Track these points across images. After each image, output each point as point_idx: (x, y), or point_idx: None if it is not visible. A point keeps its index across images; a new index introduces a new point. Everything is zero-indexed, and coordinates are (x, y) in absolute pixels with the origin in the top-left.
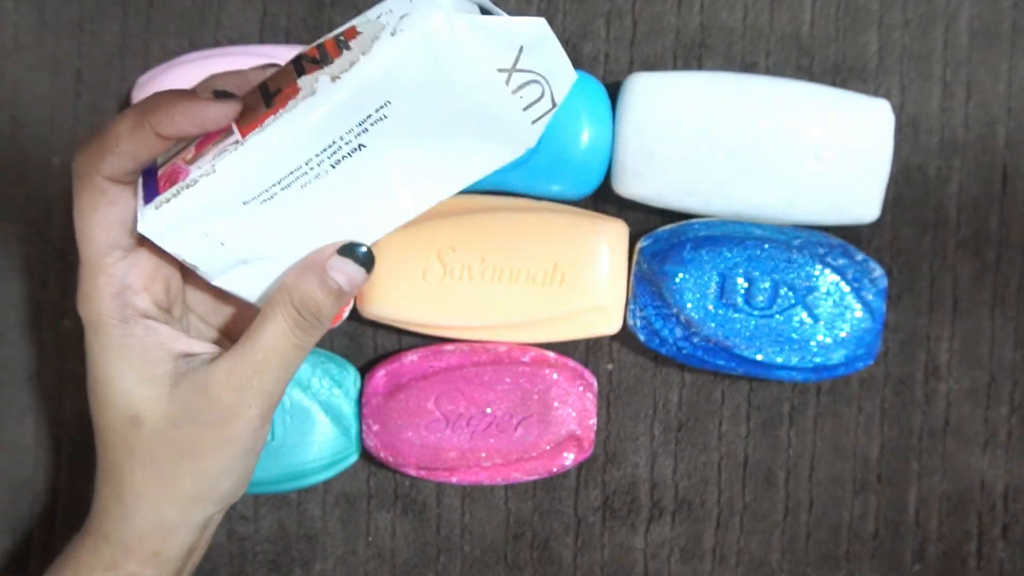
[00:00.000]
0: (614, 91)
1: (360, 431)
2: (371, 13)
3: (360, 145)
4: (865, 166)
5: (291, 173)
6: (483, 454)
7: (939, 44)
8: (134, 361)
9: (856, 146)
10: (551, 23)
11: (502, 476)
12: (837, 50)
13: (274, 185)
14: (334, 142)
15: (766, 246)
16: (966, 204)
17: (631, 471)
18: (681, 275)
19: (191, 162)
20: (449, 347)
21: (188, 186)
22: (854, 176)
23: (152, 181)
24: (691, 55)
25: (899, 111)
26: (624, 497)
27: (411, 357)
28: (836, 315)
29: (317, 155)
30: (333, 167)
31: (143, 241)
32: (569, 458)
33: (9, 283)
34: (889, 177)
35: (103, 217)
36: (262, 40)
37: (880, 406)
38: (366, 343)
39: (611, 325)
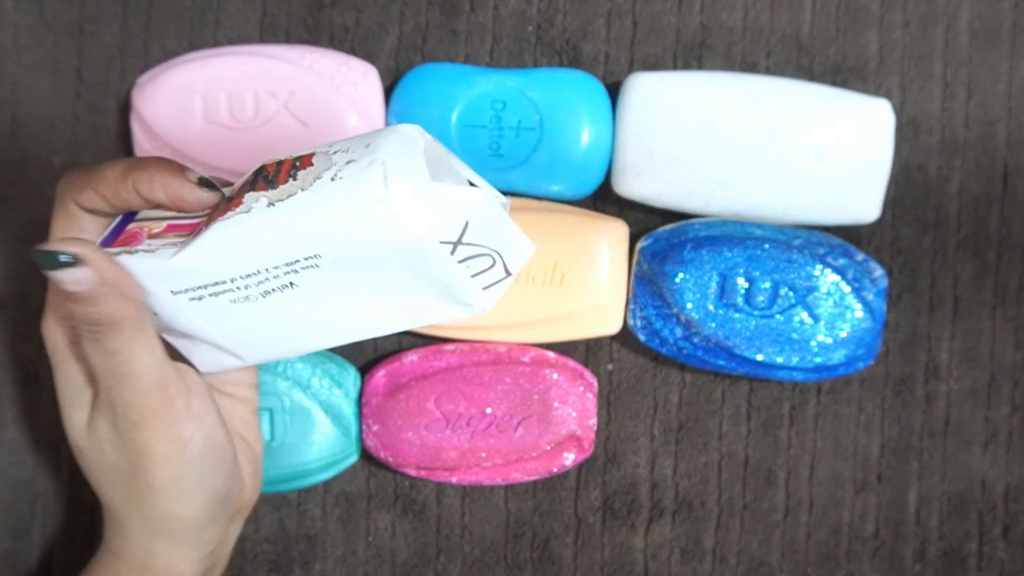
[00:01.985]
0: (614, 91)
1: (360, 431)
2: (335, 143)
3: (291, 283)
4: (865, 166)
5: (217, 284)
6: (483, 454)
7: (939, 44)
8: (72, 387)
9: (856, 146)
10: (551, 23)
11: (502, 476)
12: (837, 50)
13: (200, 288)
14: (260, 271)
15: (766, 246)
16: (966, 204)
17: (631, 471)
18: (681, 275)
19: (152, 236)
20: (449, 347)
21: (130, 252)
22: (854, 176)
23: (118, 229)
24: (691, 55)
25: (899, 111)
26: (624, 497)
27: (411, 357)
28: (836, 315)
29: (243, 278)
30: (263, 296)
31: None
32: (569, 458)
33: (9, 283)
34: (889, 177)
35: (71, 236)
36: (262, 40)
37: (880, 406)
38: (366, 343)
39: (611, 325)
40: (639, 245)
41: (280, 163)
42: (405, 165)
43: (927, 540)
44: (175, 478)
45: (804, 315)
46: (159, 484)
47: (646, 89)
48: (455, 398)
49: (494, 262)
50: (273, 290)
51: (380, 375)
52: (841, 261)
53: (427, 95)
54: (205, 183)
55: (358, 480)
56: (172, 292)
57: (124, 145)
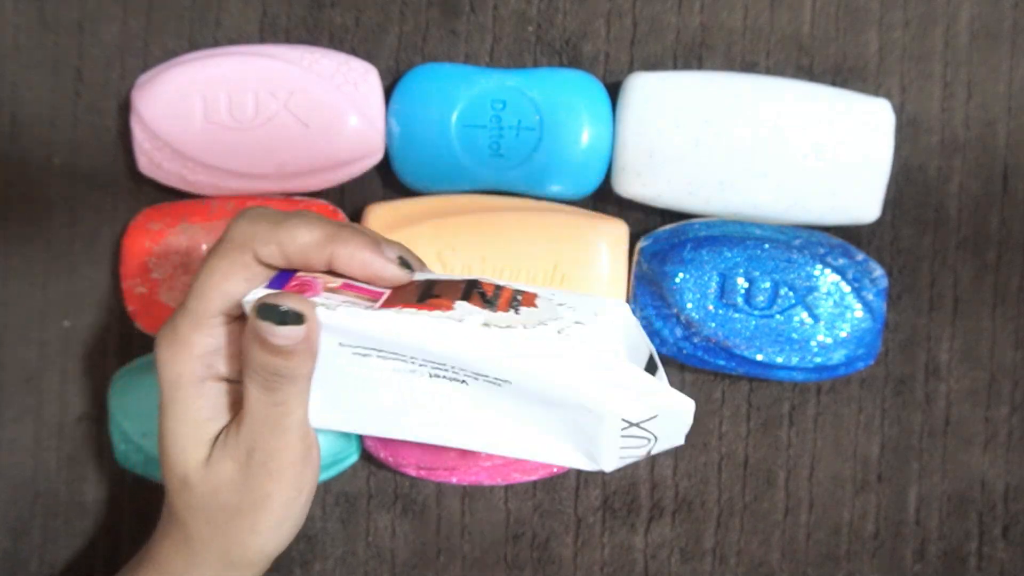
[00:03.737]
0: (614, 91)
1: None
2: (559, 294)
3: (464, 380)
4: (865, 166)
5: (394, 354)
6: (483, 454)
7: (939, 44)
8: (195, 424)
9: (856, 146)
10: (551, 23)
11: (502, 476)
12: (837, 50)
13: (373, 350)
14: (447, 364)
15: (766, 246)
16: (966, 204)
17: (631, 471)
18: (681, 275)
19: (330, 291)
20: None
21: (326, 307)
22: (854, 176)
23: (289, 274)
24: (691, 55)
25: (899, 111)
26: (624, 497)
27: None
28: (836, 315)
29: (424, 363)
30: (431, 376)
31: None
32: None
33: (9, 283)
34: (889, 177)
35: (232, 286)
36: (262, 40)
37: (880, 406)
38: None
39: None
40: (639, 245)
41: (499, 288)
42: (632, 342)
43: (927, 540)
44: (282, 521)
45: (804, 315)
46: (266, 526)
47: (646, 89)
48: None
49: (647, 447)
50: (443, 377)
51: None
52: (841, 261)
53: (427, 95)
54: (404, 264)
55: (358, 480)
56: (340, 344)
57: (124, 145)
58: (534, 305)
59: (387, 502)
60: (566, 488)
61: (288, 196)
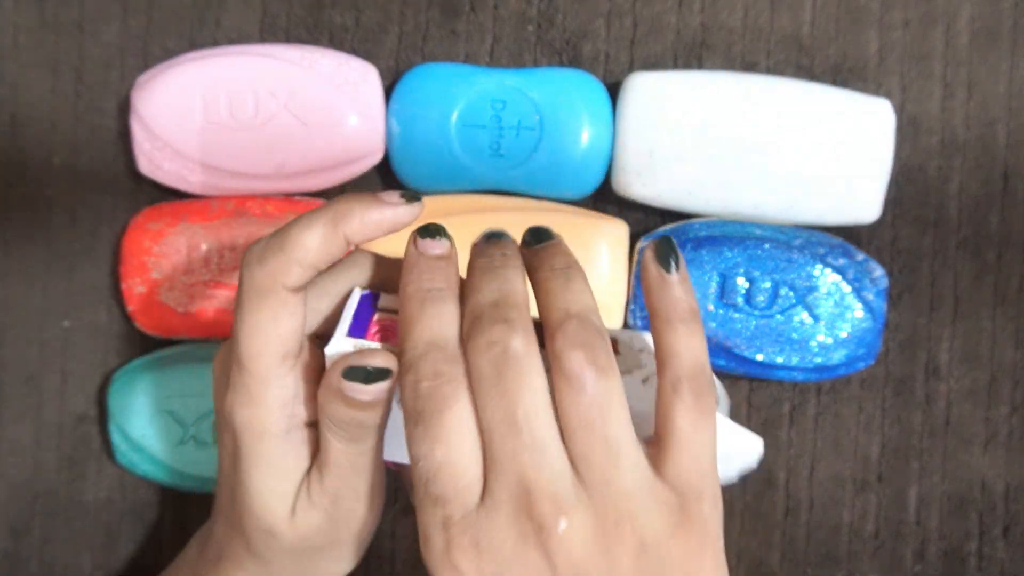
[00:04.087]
0: (614, 91)
1: None
2: (635, 337)
3: None
4: (865, 166)
5: None
6: None
7: (939, 44)
8: (282, 475)
9: (856, 146)
10: (551, 23)
11: None
12: (837, 50)
13: None
14: None
15: (766, 246)
16: (966, 204)
17: None
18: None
19: None
20: None
21: (391, 351)
22: (854, 176)
23: (367, 316)
24: (691, 55)
25: (899, 111)
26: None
27: None
28: (836, 315)
29: None
30: None
31: (308, 346)
32: None
33: (9, 283)
34: (889, 177)
35: (284, 330)
36: (262, 40)
37: (880, 406)
38: None
39: (611, 325)
40: (639, 245)
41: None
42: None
43: (927, 540)
44: (363, 546)
45: (804, 315)
46: (349, 554)
47: (646, 89)
48: None
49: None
50: None
51: None
52: (841, 261)
53: (427, 95)
54: (411, 198)
55: None
56: None
57: (124, 145)
58: (617, 352)
59: (387, 502)
60: None
61: (288, 196)
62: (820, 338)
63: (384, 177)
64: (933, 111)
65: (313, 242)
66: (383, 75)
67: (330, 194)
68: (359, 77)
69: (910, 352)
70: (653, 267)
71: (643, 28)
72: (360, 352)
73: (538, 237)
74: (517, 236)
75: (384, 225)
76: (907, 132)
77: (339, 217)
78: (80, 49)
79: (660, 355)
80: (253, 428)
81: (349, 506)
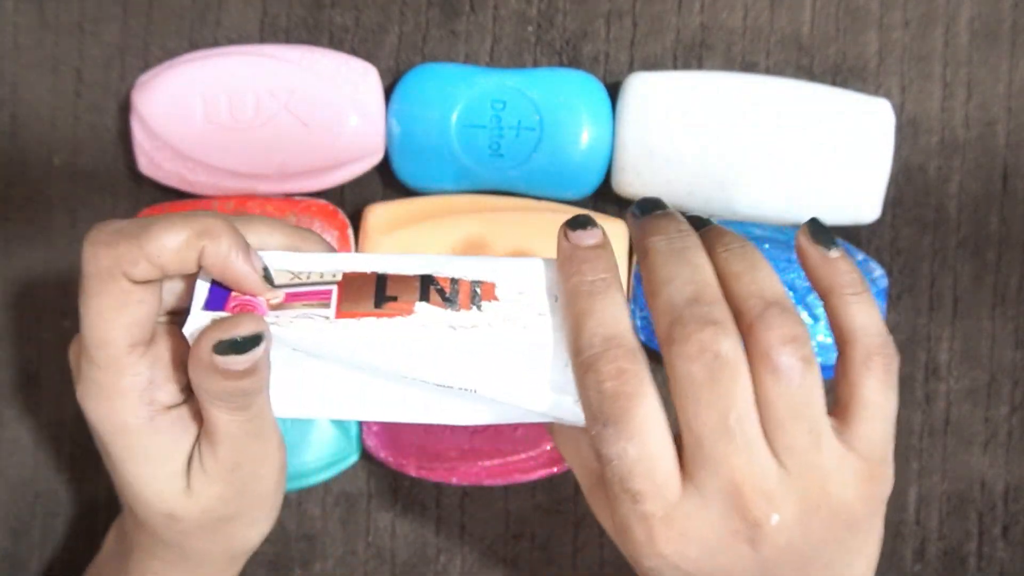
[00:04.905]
0: (614, 91)
1: (360, 431)
2: (515, 281)
3: (434, 386)
4: (865, 166)
5: (356, 356)
6: (483, 454)
7: (939, 44)
8: (161, 460)
9: (856, 146)
10: (551, 23)
11: (502, 476)
12: (837, 50)
13: (330, 356)
14: (409, 375)
15: (766, 246)
16: (966, 204)
17: None
18: None
19: (275, 308)
20: None
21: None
22: (854, 176)
23: (218, 296)
24: (691, 55)
25: (899, 111)
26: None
27: None
28: None
29: (388, 367)
30: (396, 381)
31: (160, 329)
32: None
33: (9, 283)
34: (889, 177)
35: (129, 318)
36: (262, 40)
37: None
38: None
39: None
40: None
41: (455, 281)
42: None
43: (927, 540)
44: (275, 506)
45: (804, 315)
46: (262, 517)
47: (646, 89)
48: None
49: None
50: (408, 382)
51: None
52: None
53: (427, 95)
54: (268, 279)
55: (358, 480)
56: (293, 349)
57: (124, 145)
58: (495, 298)
59: (387, 502)
60: (566, 488)
61: (288, 196)
62: (820, 338)
63: (384, 177)
64: (933, 111)
65: (172, 244)
66: (383, 75)
67: (330, 194)
68: (359, 77)
69: (910, 352)
70: (814, 249)
71: (643, 28)
72: (222, 322)
73: (650, 208)
74: (518, 236)
75: (233, 277)
76: (907, 132)
77: (206, 236)
78: (80, 49)
79: (842, 331)
80: (112, 422)
81: (250, 470)
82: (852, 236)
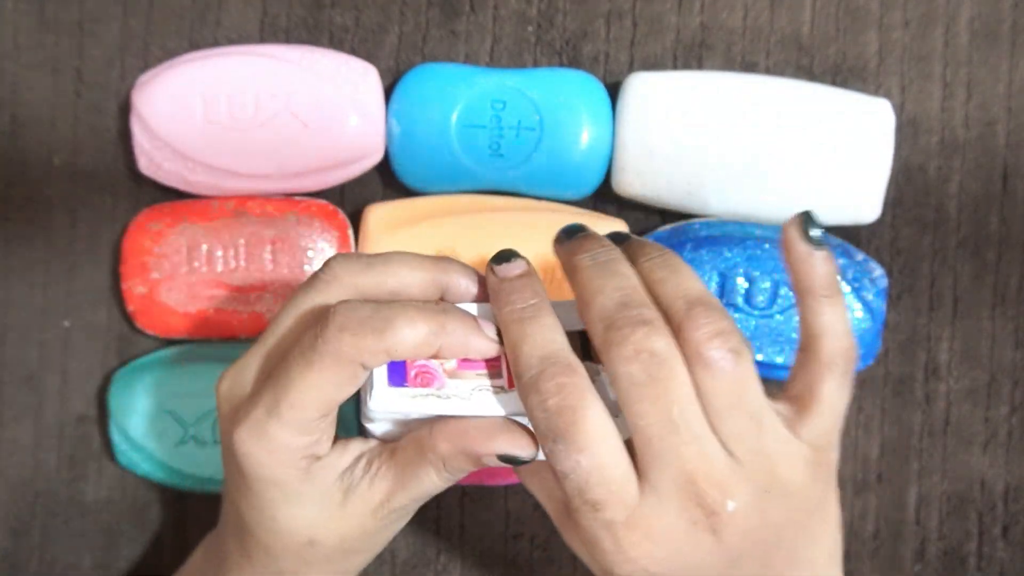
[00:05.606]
0: (614, 91)
1: (360, 431)
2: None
3: None
4: (865, 166)
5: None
6: None
7: (939, 44)
8: (311, 502)
9: (856, 146)
10: (551, 23)
11: (502, 476)
12: (837, 50)
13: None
14: None
15: (766, 246)
16: (966, 204)
17: None
18: None
19: (451, 375)
20: None
21: (438, 396)
22: (854, 176)
23: (398, 366)
24: (691, 55)
25: (899, 111)
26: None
27: None
28: None
29: None
30: None
31: None
32: None
33: (9, 283)
34: (889, 177)
35: (341, 396)
36: (262, 40)
37: (880, 406)
38: None
39: None
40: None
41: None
42: None
43: (927, 540)
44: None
45: None
46: (371, 554)
47: (646, 89)
48: None
49: None
50: None
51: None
52: (841, 261)
53: (427, 95)
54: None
55: None
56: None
57: (124, 145)
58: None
59: None
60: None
61: (288, 196)
62: None
63: (384, 177)
64: (933, 111)
65: (412, 340)
66: (383, 75)
67: (330, 194)
68: (359, 77)
69: (910, 352)
70: (800, 245)
71: (643, 28)
72: (514, 435)
73: (573, 232)
74: (518, 236)
75: (472, 353)
76: (907, 132)
77: (443, 331)
78: (80, 49)
79: (811, 329)
80: (271, 472)
81: (401, 516)
82: (852, 236)
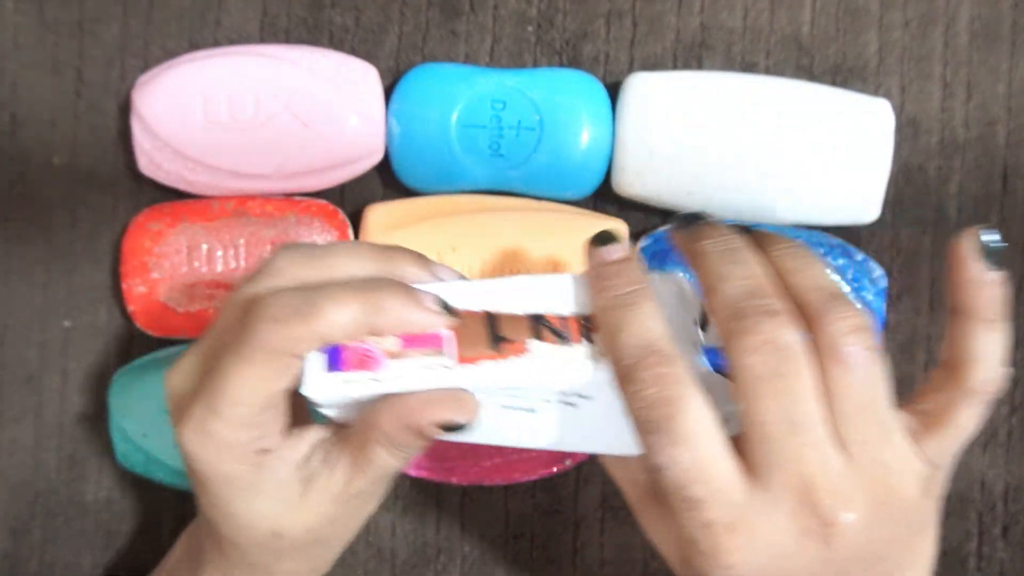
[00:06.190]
0: (614, 91)
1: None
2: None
3: (532, 409)
4: (865, 166)
5: (494, 397)
6: (483, 454)
7: (939, 44)
8: (268, 494)
9: (856, 146)
10: (551, 23)
11: (502, 476)
12: (837, 50)
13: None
14: (519, 396)
15: None
16: (966, 204)
17: None
18: (681, 275)
19: (394, 356)
20: None
21: (378, 380)
22: (854, 176)
23: (336, 350)
24: (691, 55)
25: (899, 111)
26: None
27: None
28: None
29: (499, 398)
30: (503, 408)
31: None
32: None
33: (9, 283)
34: (889, 177)
35: (278, 388)
36: (262, 40)
37: None
38: None
39: None
40: (639, 245)
41: (564, 319)
42: (681, 328)
43: None
44: (352, 536)
45: None
46: (342, 546)
47: (646, 89)
48: None
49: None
50: (515, 408)
51: None
52: (841, 261)
53: (427, 95)
54: (450, 309)
55: None
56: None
57: (124, 145)
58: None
59: (387, 502)
60: (566, 488)
61: (288, 196)
62: None
63: (384, 177)
64: (933, 111)
65: (342, 321)
66: (383, 75)
67: (330, 194)
68: (359, 77)
69: (910, 352)
70: (975, 264)
71: (643, 28)
72: (451, 401)
73: (694, 219)
74: (518, 236)
75: (413, 328)
76: (907, 132)
77: (374, 309)
78: (80, 49)
79: (963, 352)
80: (219, 470)
81: (365, 500)
82: (852, 236)
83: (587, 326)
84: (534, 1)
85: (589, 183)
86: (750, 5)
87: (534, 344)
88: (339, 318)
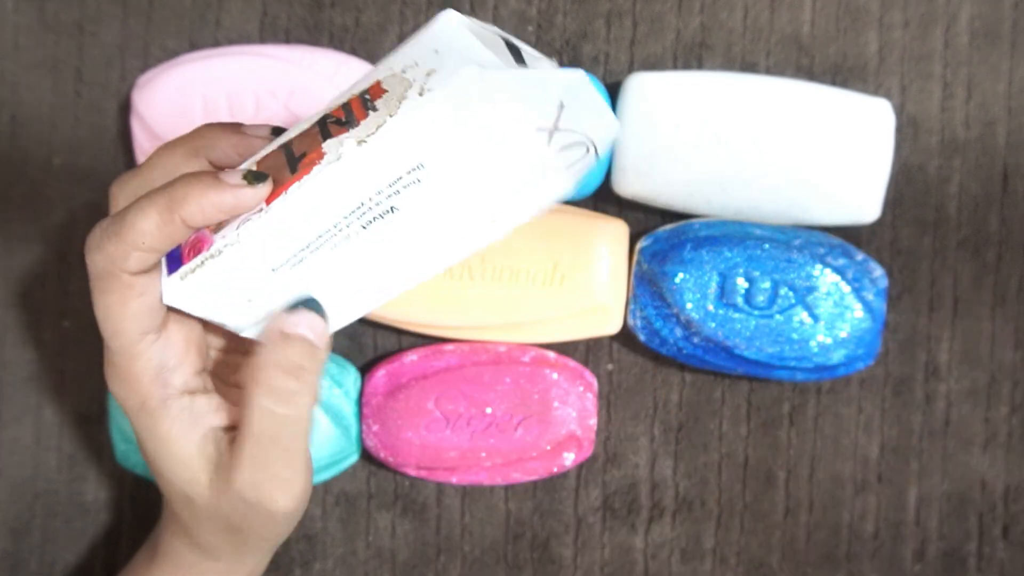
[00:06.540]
0: (614, 91)
1: (360, 431)
2: (395, 64)
3: (392, 207)
4: (865, 166)
5: (319, 237)
6: (483, 454)
7: (939, 44)
8: (175, 446)
9: (856, 146)
10: (551, 23)
11: (502, 476)
12: (837, 50)
13: (302, 250)
14: (363, 204)
15: (766, 246)
16: (966, 204)
17: (631, 471)
18: (681, 275)
19: (215, 230)
20: (449, 347)
21: (212, 256)
22: (854, 176)
23: (175, 250)
24: (691, 55)
25: (899, 111)
26: (624, 497)
27: (411, 357)
28: (836, 315)
29: (346, 218)
30: (363, 228)
31: (171, 316)
32: (569, 458)
33: (9, 283)
34: (889, 177)
35: (135, 309)
36: (262, 40)
37: (880, 406)
38: (366, 343)
39: (611, 325)
40: (639, 245)
41: (346, 104)
42: (488, 53)
43: (927, 540)
44: (298, 510)
45: (804, 315)
46: (283, 523)
47: (646, 89)
48: (455, 398)
49: (582, 145)
50: (374, 219)
51: (380, 375)
52: (841, 261)
53: None
54: (256, 176)
55: (358, 480)
56: (272, 270)
57: (124, 145)
58: (384, 91)
59: (387, 502)
60: (566, 488)
61: None
62: (820, 338)
63: None
64: (933, 111)
65: (149, 227)
66: None
67: None
68: (359, 77)
69: (910, 352)
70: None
71: (643, 28)
72: (284, 318)
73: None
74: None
75: (225, 208)
76: (907, 132)
77: (174, 203)
78: (80, 49)
79: None
80: (131, 403)
81: (269, 487)
82: (852, 236)
83: (367, 98)
84: (534, 1)
85: (589, 183)
86: (750, 5)
87: (328, 144)
88: (145, 224)
